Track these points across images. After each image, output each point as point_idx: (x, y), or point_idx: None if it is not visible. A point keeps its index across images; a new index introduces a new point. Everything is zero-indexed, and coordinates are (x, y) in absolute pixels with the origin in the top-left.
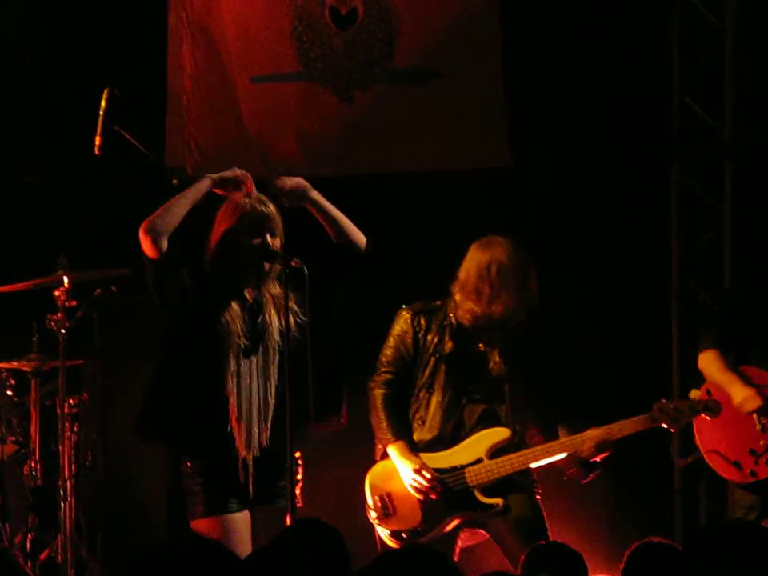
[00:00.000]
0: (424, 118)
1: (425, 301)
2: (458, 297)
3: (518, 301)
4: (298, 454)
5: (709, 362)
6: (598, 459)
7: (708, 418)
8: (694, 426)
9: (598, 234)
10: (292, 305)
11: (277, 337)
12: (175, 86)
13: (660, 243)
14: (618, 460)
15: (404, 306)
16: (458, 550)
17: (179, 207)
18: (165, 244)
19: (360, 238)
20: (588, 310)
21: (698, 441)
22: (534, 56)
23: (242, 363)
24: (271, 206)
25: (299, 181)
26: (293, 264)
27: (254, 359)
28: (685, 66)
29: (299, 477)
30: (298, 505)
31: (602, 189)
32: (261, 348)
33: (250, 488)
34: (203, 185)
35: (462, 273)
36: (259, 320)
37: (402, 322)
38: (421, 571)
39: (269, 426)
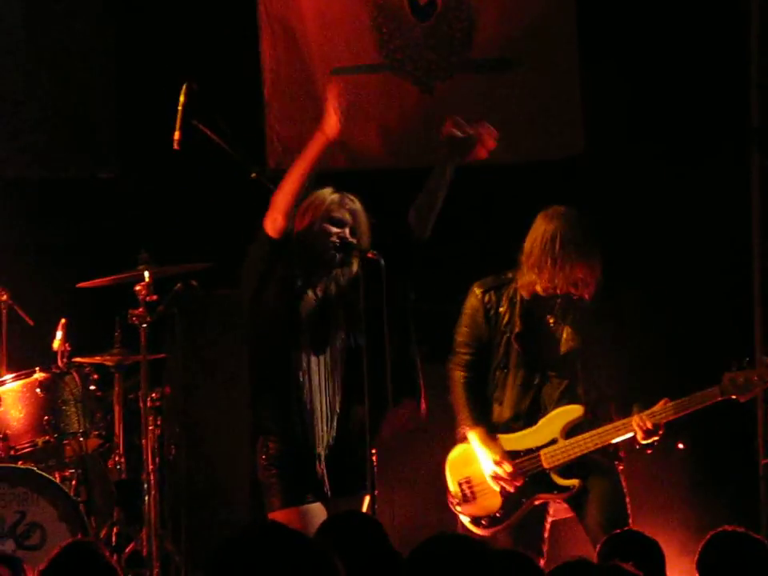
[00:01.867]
0: (501, 108)
1: (496, 275)
2: (523, 268)
3: (583, 273)
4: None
5: None
6: (657, 436)
7: None
8: None
9: (677, 221)
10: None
11: (343, 335)
12: (262, 81)
13: (741, 230)
14: (702, 441)
15: (475, 283)
16: (548, 525)
17: (294, 179)
18: (286, 222)
19: (430, 227)
20: (665, 296)
21: None
22: (610, 43)
23: (312, 359)
24: (358, 204)
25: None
26: (369, 256)
27: (321, 357)
28: (764, 51)
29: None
30: (375, 493)
31: (682, 175)
32: (329, 344)
33: (326, 482)
34: (316, 144)
35: (527, 244)
36: (327, 317)
37: (473, 299)
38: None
39: (335, 422)
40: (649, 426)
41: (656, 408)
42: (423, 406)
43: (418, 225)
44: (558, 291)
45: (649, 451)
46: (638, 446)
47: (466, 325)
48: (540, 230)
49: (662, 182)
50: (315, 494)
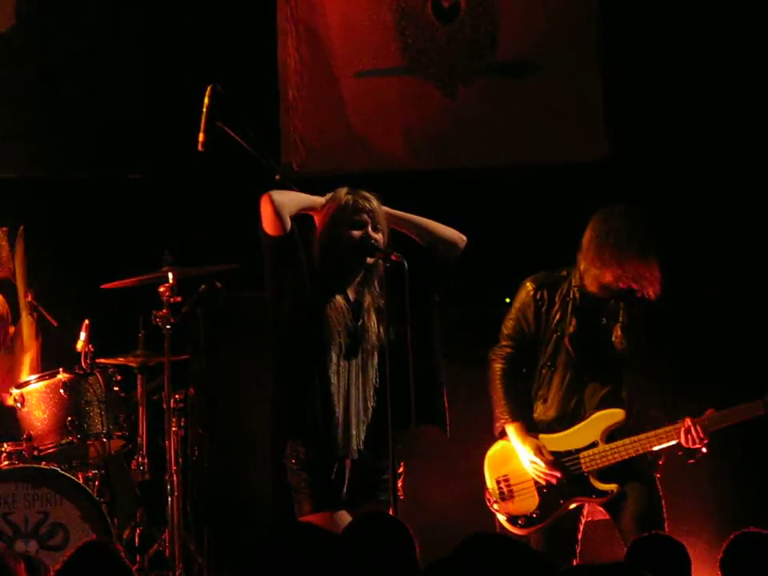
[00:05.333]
0: (524, 112)
1: (548, 271)
2: (582, 265)
3: (647, 269)
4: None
5: None
6: (702, 445)
7: None
8: None
9: (715, 227)
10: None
11: (375, 340)
12: (284, 82)
13: None
14: (732, 446)
15: (528, 278)
16: (581, 526)
17: (299, 198)
18: (288, 222)
19: (455, 237)
20: (707, 298)
21: None
22: (635, 45)
23: (342, 363)
24: (374, 202)
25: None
26: (393, 258)
27: (353, 361)
28: None
29: (400, 470)
30: (400, 498)
31: (717, 165)
32: (360, 349)
33: (344, 489)
34: (317, 203)
35: (585, 241)
36: (360, 321)
37: (525, 295)
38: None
39: (365, 426)
40: (699, 434)
41: (705, 417)
42: (448, 432)
43: (429, 243)
44: (621, 285)
45: (691, 461)
46: (680, 453)
47: (513, 318)
48: (597, 226)
49: (691, 185)
50: (345, 499)
